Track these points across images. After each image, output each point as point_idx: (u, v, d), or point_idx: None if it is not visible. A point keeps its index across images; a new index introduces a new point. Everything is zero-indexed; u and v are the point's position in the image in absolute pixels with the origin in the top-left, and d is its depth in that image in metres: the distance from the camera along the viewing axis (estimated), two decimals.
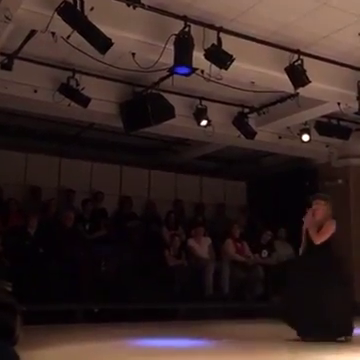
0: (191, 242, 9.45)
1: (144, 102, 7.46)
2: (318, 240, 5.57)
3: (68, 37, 5.54)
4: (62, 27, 5.37)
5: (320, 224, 5.73)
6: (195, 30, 5.96)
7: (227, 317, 8.14)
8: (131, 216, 9.81)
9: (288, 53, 6.65)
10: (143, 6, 5.64)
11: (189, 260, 9.13)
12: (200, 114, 8.26)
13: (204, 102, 8.30)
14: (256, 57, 6.61)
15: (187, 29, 5.87)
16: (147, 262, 8.54)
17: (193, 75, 6.50)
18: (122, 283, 8.03)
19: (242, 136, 8.75)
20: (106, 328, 6.80)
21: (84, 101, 7.18)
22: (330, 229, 5.68)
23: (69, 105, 7.24)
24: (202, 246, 9.48)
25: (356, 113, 7.56)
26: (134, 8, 5.61)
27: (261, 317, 8.19)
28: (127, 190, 10.42)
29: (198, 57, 6.03)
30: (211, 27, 6.11)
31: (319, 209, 5.84)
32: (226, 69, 6.20)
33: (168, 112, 7.53)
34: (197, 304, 8.54)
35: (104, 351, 5.12)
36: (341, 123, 9.03)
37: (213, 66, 6.21)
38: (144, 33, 5.92)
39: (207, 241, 9.62)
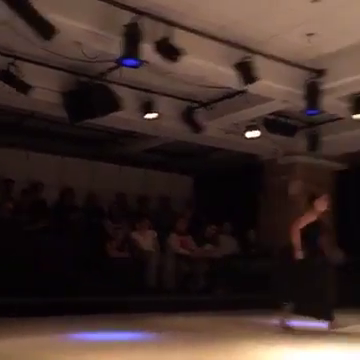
0: (135, 235, 9.35)
1: (89, 93, 7.24)
2: None
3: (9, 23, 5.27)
4: (4, 11, 5.09)
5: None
6: (145, 22, 5.82)
7: (170, 310, 8.08)
8: (72, 208, 9.57)
9: (238, 50, 6.64)
10: None
11: (132, 253, 9.02)
12: (148, 107, 8.13)
13: (152, 95, 8.17)
14: (206, 52, 6.55)
15: (137, 21, 5.72)
16: (89, 255, 8.37)
17: (142, 67, 6.37)
18: (63, 276, 7.82)
19: (190, 130, 8.70)
20: (45, 322, 6.61)
21: (24, 88, 6.89)
22: None
23: (9, 92, 6.93)
24: (146, 239, 9.40)
25: (302, 111, 7.64)
26: None
27: (204, 310, 8.25)
28: (69, 181, 10.15)
29: (147, 50, 5.91)
30: (161, 20, 5.98)
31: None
32: (175, 63, 6.10)
33: (114, 104, 7.34)
34: (139, 297, 8.45)
35: (43, 345, 5.02)
36: (288, 121, 9.15)
37: (162, 59, 6.09)
38: (92, 23, 5.71)
39: (151, 234, 9.54)
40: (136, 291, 8.37)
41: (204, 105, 8.64)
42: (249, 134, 8.97)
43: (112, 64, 6.71)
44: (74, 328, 6.05)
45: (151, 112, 8.11)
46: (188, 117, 8.56)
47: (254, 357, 4.61)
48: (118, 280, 8.28)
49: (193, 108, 8.58)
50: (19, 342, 5.08)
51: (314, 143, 9.40)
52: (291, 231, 6.17)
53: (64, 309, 7.26)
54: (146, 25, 5.81)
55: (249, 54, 6.61)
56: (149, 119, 8.20)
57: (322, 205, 6.27)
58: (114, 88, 7.37)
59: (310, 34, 6.47)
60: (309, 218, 6.24)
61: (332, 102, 7.71)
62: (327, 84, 7.18)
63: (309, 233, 6.14)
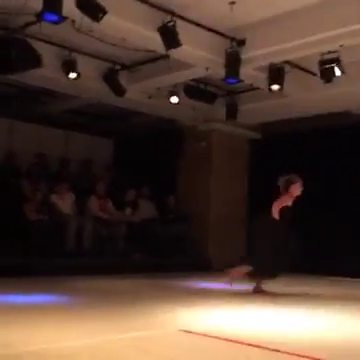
0: (54, 198, 9.24)
1: (7, 46, 6.92)
2: None
3: None
4: None
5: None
6: None
7: (88, 273, 8.16)
8: None
9: (162, 13, 6.63)
10: None
11: (51, 215, 8.93)
12: (69, 66, 7.93)
13: (74, 54, 7.98)
14: (130, 13, 6.49)
15: None
16: (4, 215, 8.17)
17: (63, 24, 6.20)
18: None
19: (112, 92, 8.63)
20: None
21: None
22: None
23: None
24: (65, 202, 9.32)
25: (222, 79, 7.80)
26: None
27: (122, 273, 8.40)
28: None
29: (69, 6, 5.76)
30: None
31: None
32: (98, 21, 5.99)
33: (34, 60, 7.07)
34: (58, 260, 8.43)
35: None
36: (208, 88, 9.31)
37: (85, 17, 5.97)
38: None
39: (71, 197, 9.47)
40: (55, 254, 8.34)
41: (127, 67, 8.59)
42: (171, 99, 9.06)
43: (32, 18, 6.45)
44: None
45: (72, 71, 7.93)
46: (110, 79, 8.47)
47: (170, 318, 4.72)
48: (36, 243, 8.20)
49: (116, 70, 8.49)
50: None
51: (232, 111, 9.65)
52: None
53: None
54: None
55: (173, 18, 6.61)
56: (70, 78, 8.03)
57: (297, 190, 6.79)
58: (34, 44, 7.12)
59: (232, 2, 6.58)
60: (285, 202, 6.74)
61: (251, 72, 7.95)
62: (247, 54, 7.36)
63: (283, 216, 6.68)
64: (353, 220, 9.68)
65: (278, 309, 5.58)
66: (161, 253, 9.68)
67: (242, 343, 3.70)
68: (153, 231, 9.98)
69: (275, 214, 6.68)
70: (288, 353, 3.41)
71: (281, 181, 6.87)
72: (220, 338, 3.85)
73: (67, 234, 8.83)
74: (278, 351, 3.47)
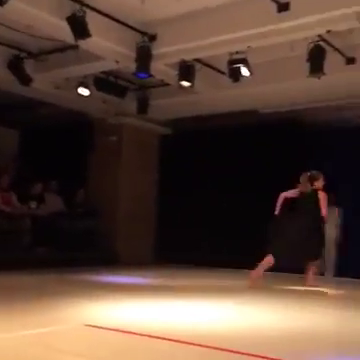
0: None
1: None
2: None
3: None
4: None
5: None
6: None
7: None
8: None
9: (71, 2, 6.42)
10: None
11: None
12: None
13: None
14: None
15: None
16: None
17: None
18: None
19: (17, 81, 8.25)
20: None
21: None
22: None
23: None
24: None
25: (133, 73, 7.73)
26: None
27: (27, 268, 8.13)
28: None
29: None
30: None
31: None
32: (2, 5, 5.74)
33: None
34: None
35: None
36: (119, 81, 9.20)
37: None
38: None
39: None
40: None
41: (34, 56, 8.25)
42: (80, 91, 8.83)
43: None
44: None
45: None
46: (15, 67, 8.09)
47: (76, 313, 4.67)
48: None
49: (21, 58, 8.12)
50: None
51: (143, 106, 9.63)
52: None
53: None
54: None
55: (82, 7, 6.44)
56: None
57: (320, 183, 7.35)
58: None
59: None
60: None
61: (162, 67, 7.96)
62: (158, 49, 7.35)
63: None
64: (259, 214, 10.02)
65: (187, 302, 5.67)
66: (69, 247, 9.48)
67: (147, 336, 3.72)
68: (60, 225, 9.73)
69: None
70: (191, 344, 3.49)
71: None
72: (125, 332, 3.87)
73: None
74: (181, 342, 3.55)
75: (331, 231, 8.58)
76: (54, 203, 10.23)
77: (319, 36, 6.80)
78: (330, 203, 8.71)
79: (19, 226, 9.14)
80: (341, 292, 7.45)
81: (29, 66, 8.27)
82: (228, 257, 9.65)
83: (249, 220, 10.01)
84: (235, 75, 7.63)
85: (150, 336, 3.71)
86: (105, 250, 10.23)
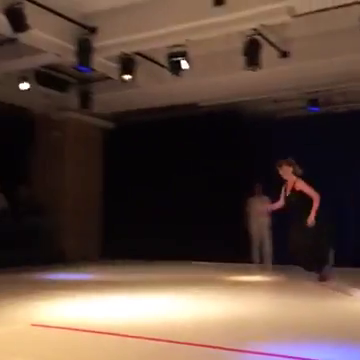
0: None
1: None
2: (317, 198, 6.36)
3: None
4: None
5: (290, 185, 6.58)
6: None
7: None
8: None
9: None
10: None
11: None
12: None
13: None
14: None
15: None
16: None
17: None
18: None
19: None
20: None
21: None
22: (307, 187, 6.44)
23: None
24: None
25: (74, 67, 7.73)
26: None
27: None
28: None
29: None
30: None
31: (282, 173, 6.62)
32: None
33: None
34: None
35: None
36: (60, 76, 9.17)
37: None
38: None
39: None
40: None
41: None
42: (21, 86, 8.75)
43: None
44: None
45: None
46: None
47: (22, 313, 4.67)
48: None
49: None
50: None
51: (86, 101, 9.62)
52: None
53: None
54: None
55: (21, 0, 6.39)
56: None
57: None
58: None
59: None
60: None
61: (103, 61, 8.02)
62: (98, 42, 7.38)
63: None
64: (200, 205, 10.25)
65: (132, 296, 5.74)
66: (13, 246, 9.34)
67: (93, 332, 3.78)
68: (4, 224, 9.57)
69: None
70: (136, 337, 3.59)
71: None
72: (72, 329, 3.91)
73: None
74: (126, 336, 3.64)
75: (264, 220, 8.75)
76: None
77: (254, 30, 7.03)
78: (258, 194, 9.00)
79: None
80: (277, 279, 7.67)
81: None
82: (173, 250, 9.83)
83: (194, 212, 10.24)
84: (175, 68, 7.72)
85: (96, 332, 3.76)
86: (51, 248, 10.16)
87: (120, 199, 11.02)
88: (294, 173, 6.61)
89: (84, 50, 7.35)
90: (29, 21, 6.43)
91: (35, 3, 6.70)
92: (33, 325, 4.07)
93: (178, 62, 7.62)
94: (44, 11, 6.90)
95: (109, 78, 9.05)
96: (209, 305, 5.22)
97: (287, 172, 6.61)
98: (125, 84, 8.53)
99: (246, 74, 7.80)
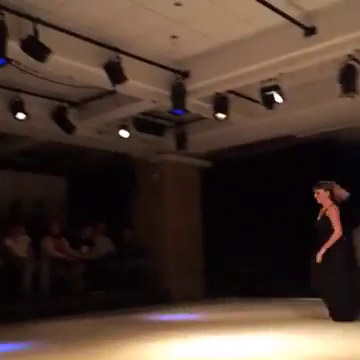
0: (8, 241, 9.03)
1: None
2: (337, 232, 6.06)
3: None
4: None
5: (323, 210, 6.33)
6: (10, 19, 5.74)
7: (47, 316, 8.00)
8: None
9: (106, 50, 6.80)
10: None
11: (6, 260, 8.72)
12: (17, 107, 7.95)
13: (21, 95, 8.01)
14: (74, 51, 6.61)
15: (0, 17, 5.61)
16: None
17: (9, 66, 6.25)
18: None
19: (61, 131, 8.67)
20: None
21: None
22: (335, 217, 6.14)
23: None
24: (20, 245, 9.13)
25: (169, 111, 7.98)
26: None
27: (83, 313, 8.29)
28: None
29: (14, 48, 5.86)
30: (27, 17, 5.94)
31: (317, 197, 6.41)
32: (43, 62, 6.09)
33: None
34: (16, 305, 8.21)
35: None
36: (157, 120, 9.50)
37: (30, 58, 6.05)
38: None
39: (25, 239, 9.29)
40: (12, 299, 8.13)
41: (75, 105, 8.68)
42: (121, 133, 9.17)
43: None
44: None
45: (20, 112, 7.95)
46: (59, 117, 8.53)
47: (135, 354, 4.73)
48: None
49: (64, 108, 8.56)
50: None
51: (182, 142, 9.85)
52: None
53: None
54: (11, 22, 5.74)
55: (117, 54, 6.79)
56: (19, 120, 8.03)
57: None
58: None
59: (174, 36, 6.85)
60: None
61: (196, 102, 8.19)
62: (191, 85, 7.61)
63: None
64: (300, 239, 9.92)
65: (241, 336, 5.61)
66: (120, 288, 9.60)
67: None
68: (111, 267, 9.89)
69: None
70: None
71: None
72: None
73: (23, 278, 8.62)
74: None
75: None
76: (104, 245, 10.45)
77: (349, 56, 6.85)
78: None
79: (73, 271, 9.34)
80: None
81: (72, 115, 8.69)
82: (278, 286, 9.56)
83: (297, 248, 9.92)
84: (268, 102, 7.71)
85: None
86: (156, 288, 10.29)
87: (221, 237, 10.99)
88: (331, 198, 6.32)
89: (178, 94, 7.59)
90: (126, 73, 6.81)
91: (130, 55, 7.09)
92: None
93: (271, 96, 7.59)
94: (139, 62, 7.27)
95: (203, 118, 9.24)
96: (326, 345, 4.95)
97: (323, 197, 6.35)
98: (219, 122, 8.63)
99: (343, 102, 7.60)
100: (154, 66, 7.45)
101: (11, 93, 7.96)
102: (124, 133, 9.18)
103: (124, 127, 9.15)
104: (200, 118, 9.36)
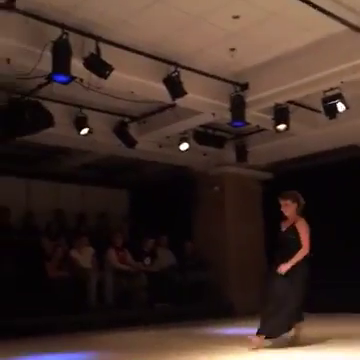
0: (73, 253, 9.30)
1: (21, 110, 7.22)
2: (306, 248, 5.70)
3: None
4: None
5: (290, 222, 5.89)
6: (73, 38, 5.97)
7: (112, 327, 8.13)
8: (7, 227, 9.38)
9: (166, 64, 6.92)
10: (18, 11, 5.52)
11: (71, 271, 8.97)
12: (80, 122, 8.22)
13: (84, 110, 8.28)
14: (135, 67, 6.78)
15: (65, 36, 5.86)
16: (27, 275, 8.23)
17: (73, 83, 6.47)
18: (1, 297, 7.64)
19: (123, 145, 8.85)
20: None
21: None
22: (304, 231, 5.77)
23: None
24: (85, 256, 9.37)
25: (229, 123, 7.98)
26: (9, 11, 5.47)
27: (146, 324, 8.37)
28: (4, 201, 9.97)
29: (77, 65, 6.07)
30: (90, 36, 6.17)
31: (285, 208, 5.96)
32: (105, 78, 6.28)
33: (46, 120, 7.35)
34: (80, 316, 8.41)
35: None
36: (217, 133, 9.51)
37: (93, 75, 6.25)
38: (20, 38, 5.78)
39: (90, 251, 9.53)
40: (77, 310, 8.33)
41: (136, 119, 8.85)
42: (181, 146, 9.25)
43: (43, 80, 6.77)
44: (16, 351, 5.95)
45: (84, 127, 8.21)
46: (121, 132, 8.72)
47: None
48: (58, 300, 8.22)
49: (125, 123, 8.75)
50: None
51: (242, 154, 9.81)
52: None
53: (4, 331, 7.11)
54: (74, 41, 5.96)
55: (177, 68, 6.89)
56: (82, 135, 8.29)
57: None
58: (45, 104, 7.42)
59: (232, 49, 6.87)
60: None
61: (256, 114, 8.13)
62: (251, 97, 7.59)
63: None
64: None
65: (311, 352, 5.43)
66: (182, 301, 9.60)
67: None
68: (173, 279, 9.93)
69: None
70: None
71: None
72: None
73: (88, 289, 8.82)
74: None
75: None
76: (166, 257, 10.52)
77: None
78: None
79: (136, 283, 9.46)
80: None
81: (133, 129, 8.87)
82: (345, 299, 9.25)
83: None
84: (331, 112, 7.53)
85: None
86: (219, 301, 10.22)
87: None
88: (297, 211, 5.85)
89: (237, 106, 7.59)
90: (185, 86, 6.88)
91: (190, 69, 7.17)
92: None
93: (334, 105, 7.41)
94: (198, 75, 7.34)
95: (263, 129, 9.16)
96: None
97: (290, 209, 5.89)
98: (280, 133, 8.53)
99: None
100: (213, 79, 7.50)
101: (75, 109, 8.25)
102: (184, 146, 9.25)
103: (184, 140, 9.23)
104: (260, 129, 9.28)
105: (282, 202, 5.99)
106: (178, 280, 9.95)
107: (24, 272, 8.27)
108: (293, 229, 5.82)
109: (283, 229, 5.98)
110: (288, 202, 5.95)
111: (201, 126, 9.12)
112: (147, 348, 6.12)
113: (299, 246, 5.72)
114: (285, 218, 6.06)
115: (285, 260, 5.66)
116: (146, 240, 10.37)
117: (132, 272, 9.58)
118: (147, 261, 10.14)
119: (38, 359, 5.60)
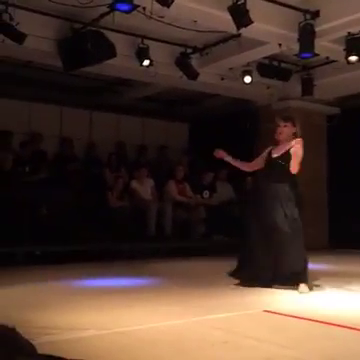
0: (134, 184, 9.47)
1: (84, 40, 7.15)
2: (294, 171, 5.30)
3: None
4: None
5: (283, 146, 5.43)
6: None
7: (169, 256, 8.41)
8: (72, 158, 9.63)
9: None
10: None
11: (132, 202, 9.17)
12: (142, 53, 8.06)
13: (146, 41, 8.08)
14: None
15: None
16: (88, 204, 8.51)
17: (135, 12, 6.31)
18: (63, 225, 7.99)
19: (185, 77, 8.66)
20: (48, 270, 6.84)
21: (19, 37, 6.79)
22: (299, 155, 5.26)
23: (3, 41, 6.83)
24: (145, 187, 9.53)
25: (296, 55, 7.59)
26: None
27: (202, 255, 8.57)
28: (67, 132, 10.19)
29: None
30: None
31: (282, 130, 5.48)
32: (168, 7, 6.05)
33: (109, 51, 7.28)
34: (140, 244, 8.70)
35: (46, 291, 5.20)
36: (282, 65, 9.11)
37: (155, 3, 6.04)
38: None
39: (150, 182, 9.66)
40: (136, 239, 8.58)
41: (198, 50, 8.57)
42: (244, 79, 8.96)
43: (105, 9, 6.62)
44: (76, 276, 6.22)
45: (145, 59, 8.05)
46: (183, 63, 8.50)
47: (254, 300, 4.75)
48: (119, 229, 8.48)
49: (188, 54, 8.51)
50: (20, 289, 5.20)
51: (308, 87, 9.39)
52: None
53: (65, 258, 7.49)
54: None
55: None
56: (144, 66, 8.16)
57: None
58: (107, 34, 7.30)
59: None
60: None
61: (326, 44, 7.69)
62: (321, 26, 7.10)
63: None
64: None
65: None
66: (239, 234, 9.67)
67: (326, 323, 3.68)
68: (232, 213, 9.96)
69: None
70: None
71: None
72: (304, 318, 3.85)
73: (148, 219, 9.03)
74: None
75: None
76: (225, 191, 10.53)
77: None
78: None
79: (194, 215, 9.58)
80: None
81: (195, 61, 8.63)
82: None
83: None
84: None
85: (328, 323, 3.64)
86: None
87: (347, 186, 10.51)
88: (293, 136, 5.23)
89: (306, 36, 7.15)
90: (251, 15, 6.51)
91: None
92: (266, 311, 4.13)
93: None
94: (265, 2, 6.92)
95: (332, 62, 8.67)
96: None
97: (287, 133, 5.32)
98: (349, 66, 8.05)
99: None
100: (281, 6, 7.05)
101: (137, 40, 8.07)
102: (247, 79, 8.96)
103: (247, 72, 8.93)
104: (329, 62, 8.79)
105: (281, 124, 5.45)
106: (236, 214, 9.98)
107: (87, 201, 8.53)
108: (288, 156, 5.30)
109: (274, 155, 5.48)
110: (289, 124, 5.44)
111: (265, 58, 8.74)
112: (198, 276, 6.34)
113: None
114: (275, 142, 5.58)
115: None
116: (205, 173, 10.37)
117: (191, 204, 9.68)
118: (206, 194, 10.18)
119: (103, 282, 5.84)
